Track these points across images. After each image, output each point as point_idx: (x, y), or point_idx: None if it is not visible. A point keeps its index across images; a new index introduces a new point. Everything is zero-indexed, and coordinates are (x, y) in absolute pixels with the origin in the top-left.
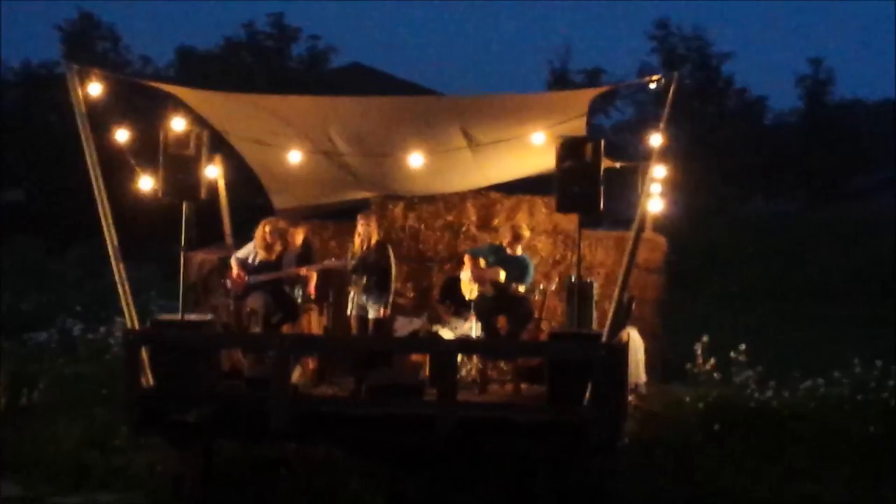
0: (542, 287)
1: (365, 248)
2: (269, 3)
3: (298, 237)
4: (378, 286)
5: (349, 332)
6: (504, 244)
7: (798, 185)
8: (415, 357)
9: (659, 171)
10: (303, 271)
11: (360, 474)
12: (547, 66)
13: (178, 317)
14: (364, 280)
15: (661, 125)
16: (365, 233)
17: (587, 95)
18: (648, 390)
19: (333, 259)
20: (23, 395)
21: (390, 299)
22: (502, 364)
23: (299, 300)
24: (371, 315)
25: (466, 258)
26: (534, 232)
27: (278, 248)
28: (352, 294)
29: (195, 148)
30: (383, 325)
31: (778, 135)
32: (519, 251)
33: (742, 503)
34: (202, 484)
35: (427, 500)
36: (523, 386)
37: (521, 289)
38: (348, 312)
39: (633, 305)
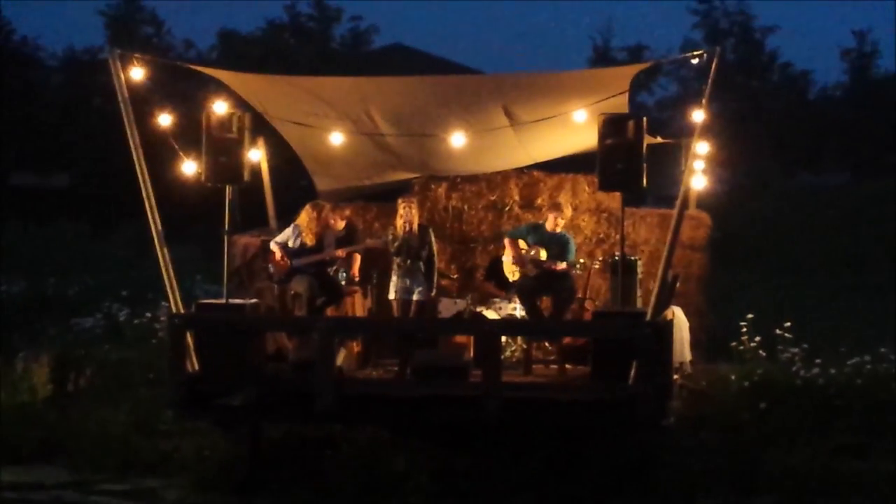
0: (583, 262)
1: (407, 231)
2: None
3: (341, 219)
4: (422, 270)
5: (392, 315)
6: (543, 222)
7: (844, 158)
8: (459, 338)
9: (702, 148)
10: (340, 253)
11: (405, 454)
12: (589, 44)
13: (223, 301)
14: (407, 263)
15: (704, 101)
16: (407, 216)
17: (629, 72)
18: (693, 369)
19: (371, 240)
20: (69, 380)
21: (434, 283)
22: (547, 345)
23: (343, 282)
24: (415, 298)
25: (506, 242)
26: (577, 210)
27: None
28: (393, 278)
29: (238, 131)
30: (426, 307)
31: (823, 108)
32: (559, 228)
33: (789, 478)
34: (249, 467)
35: (472, 478)
36: (568, 366)
37: (563, 265)
38: (390, 296)
39: (678, 283)
